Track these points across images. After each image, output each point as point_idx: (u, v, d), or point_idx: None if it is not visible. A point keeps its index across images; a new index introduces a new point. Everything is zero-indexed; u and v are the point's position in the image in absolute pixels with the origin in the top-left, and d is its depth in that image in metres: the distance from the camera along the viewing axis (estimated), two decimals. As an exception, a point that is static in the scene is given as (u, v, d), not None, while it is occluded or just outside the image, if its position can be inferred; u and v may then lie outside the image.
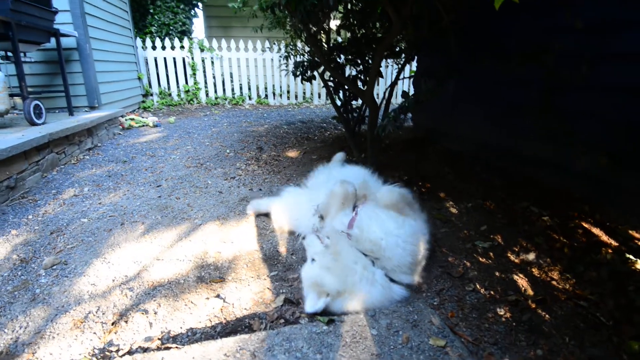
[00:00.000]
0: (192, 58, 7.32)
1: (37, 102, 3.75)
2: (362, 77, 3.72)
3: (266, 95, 8.09)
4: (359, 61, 3.72)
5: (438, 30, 2.71)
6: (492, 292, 1.68)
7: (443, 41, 2.80)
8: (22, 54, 3.76)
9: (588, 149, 2.16)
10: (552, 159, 2.68)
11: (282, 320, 1.58)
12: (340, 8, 3.27)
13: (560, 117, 2.36)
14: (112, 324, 1.53)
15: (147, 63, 7.09)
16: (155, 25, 7.67)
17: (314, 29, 3.09)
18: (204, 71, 7.52)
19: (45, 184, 3.10)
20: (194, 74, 7.45)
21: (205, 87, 7.65)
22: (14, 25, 3.49)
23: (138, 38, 6.95)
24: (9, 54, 3.90)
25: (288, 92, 8.15)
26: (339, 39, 3.99)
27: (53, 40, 4.27)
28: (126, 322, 1.54)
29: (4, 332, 1.50)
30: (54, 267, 1.94)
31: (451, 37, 2.30)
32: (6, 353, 1.40)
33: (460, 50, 2.44)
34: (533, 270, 1.84)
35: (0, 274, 1.90)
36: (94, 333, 1.49)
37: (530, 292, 1.70)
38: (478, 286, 1.72)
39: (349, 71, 3.98)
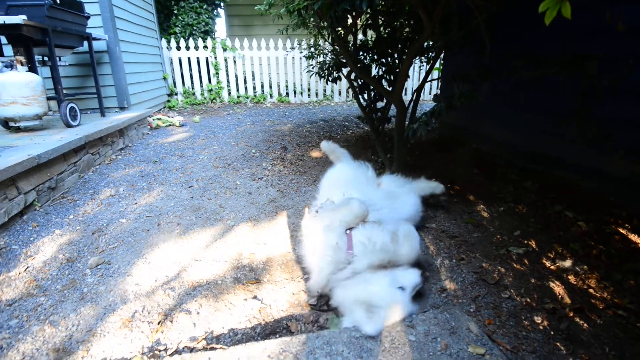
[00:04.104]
0: (215, 57, 7.44)
1: (72, 104, 3.90)
2: (387, 77, 3.72)
3: (287, 93, 8.15)
4: (384, 61, 3.71)
5: (469, 31, 2.69)
6: (528, 300, 1.68)
7: (473, 42, 2.77)
8: (57, 59, 3.92)
9: (627, 155, 2.10)
10: (588, 163, 2.62)
11: (318, 324, 1.62)
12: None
13: (599, 121, 2.30)
14: (158, 323, 1.61)
15: (171, 63, 7.25)
16: (179, 25, 7.81)
17: (342, 31, 3.10)
18: (227, 70, 7.63)
19: (82, 184, 3.24)
20: (217, 73, 7.57)
21: (228, 86, 7.77)
22: (50, 31, 3.64)
23: (163, 39, 7.10)
24: (45, 58, 4.07)
25: (309, 89, 8.18)
26: (361, 37, 3.98)
27: (85, 43, 4.42)
28: (171, 321, 1.62)
29: (58, 330, 1.60)
30: (99, 266, 2.04)
31: (485, 38, 2.27)
32: (62, 350, 1.49)
33: (492, 52, 2.41)
34: (569, 277, 1.82)
35: (49, 272, 2.01)
36: (142, 332, 1.57)
37: (567, 300, 1.68)
38: (514, 293, 1.72)
39: (375, 71, 3.97)
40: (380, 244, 1.71)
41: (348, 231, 1.79)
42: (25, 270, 2.02)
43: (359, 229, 1.79)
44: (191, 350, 1.46)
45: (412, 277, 1.63)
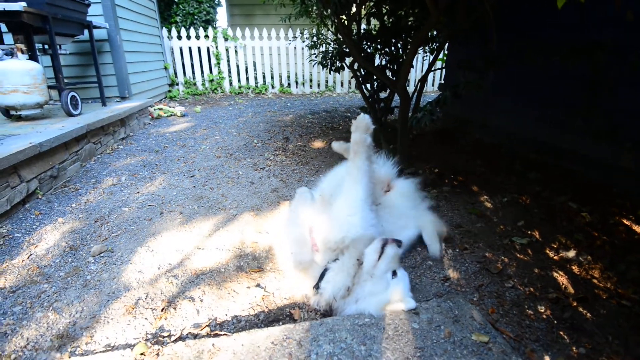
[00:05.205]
0: (216, 47, 7.37)
1: (73, 93, 3.88)
2: (391, 67, 3.68)
3: (289, 84, 8.09)
4: (388, 50, 3.66)
5: (475, 19, 2.64)
6: (531, 289, 1.68)
7: (479, 30, 2.73)
8: (58, 47, 3.89)
9: (634, 146, 2.08)
10: (593, 154, 2.60)
11: (321, 312, 1.62)
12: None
13: (606, 112, 2.27)
14: (162, 310, 1.61)
15: (172, 53, 7.19)
16: (180, 14, 7.73)
17: (345, 19, 3.06)
18: (228, 60, 7.57)
19: (84, 173, 3.23)
20: (218, 63, 7.51)
21: (229, 76, 7.71)
22: (50, 18, 3.60)
23: (164, 28, 7.03)
24: (46, 46, 4.04)
25: (310, 80, 8.12)
26: (365, 26, 3.94)
27: (85, 32, 4.38)
28: (174, 309, 1.62)
29: (62, 316, 1.60)
30: (102, 254, 2.04)
31: (492, 26, 2.23)
32: (66, 336, 1.50)
33: (499, 40, 2.37)
34: (573, 267, 1.82)
35: (52, 260, 2.01)
36: (145, 319, 1.57)
37: (570, 289, 1.68)
38: (517, 283, 1.71)
39: (378, 61, 3.93)
40: (332, 237, 1.68)
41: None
42: (28, 257, 2.02)
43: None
44: (195, 336, 1.47)
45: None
